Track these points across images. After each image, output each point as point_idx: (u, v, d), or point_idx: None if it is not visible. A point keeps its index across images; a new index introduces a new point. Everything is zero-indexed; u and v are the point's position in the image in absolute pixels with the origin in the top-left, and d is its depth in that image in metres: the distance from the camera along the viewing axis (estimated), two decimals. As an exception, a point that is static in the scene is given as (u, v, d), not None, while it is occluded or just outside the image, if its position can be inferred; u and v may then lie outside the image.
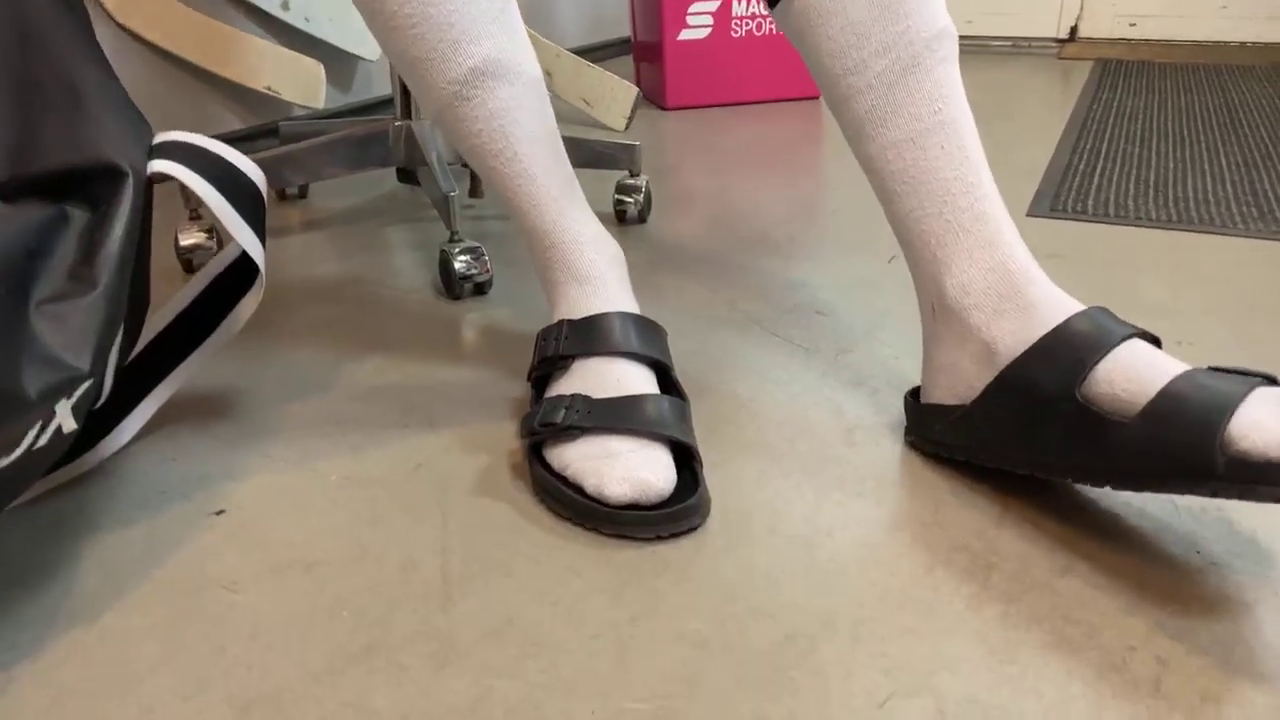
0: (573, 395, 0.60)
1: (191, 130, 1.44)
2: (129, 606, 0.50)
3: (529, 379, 0.66)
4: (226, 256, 0.62)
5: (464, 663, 0.46)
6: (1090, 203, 1.18)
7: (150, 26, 1.36)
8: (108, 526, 0.57)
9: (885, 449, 0.64)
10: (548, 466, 0.59)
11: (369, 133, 1.11)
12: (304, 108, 1.60)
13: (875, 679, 0.44)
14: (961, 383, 0.58)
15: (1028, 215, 1.15)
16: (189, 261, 1.01)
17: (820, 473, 0.61)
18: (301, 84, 1.59)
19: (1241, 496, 0.44)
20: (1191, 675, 0.44)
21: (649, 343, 0.63)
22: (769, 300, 0.91)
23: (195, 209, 1.02)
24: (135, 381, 0.63)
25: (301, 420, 0.69)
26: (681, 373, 0.76)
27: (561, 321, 0.65)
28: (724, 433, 0.66)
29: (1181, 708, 0.42)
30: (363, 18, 0.61)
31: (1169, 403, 0.47)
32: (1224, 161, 1.36)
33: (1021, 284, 0.56)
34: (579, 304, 0.65)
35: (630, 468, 0.55)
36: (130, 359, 0.63)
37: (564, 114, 1.82)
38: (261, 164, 1.05)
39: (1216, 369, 0.50)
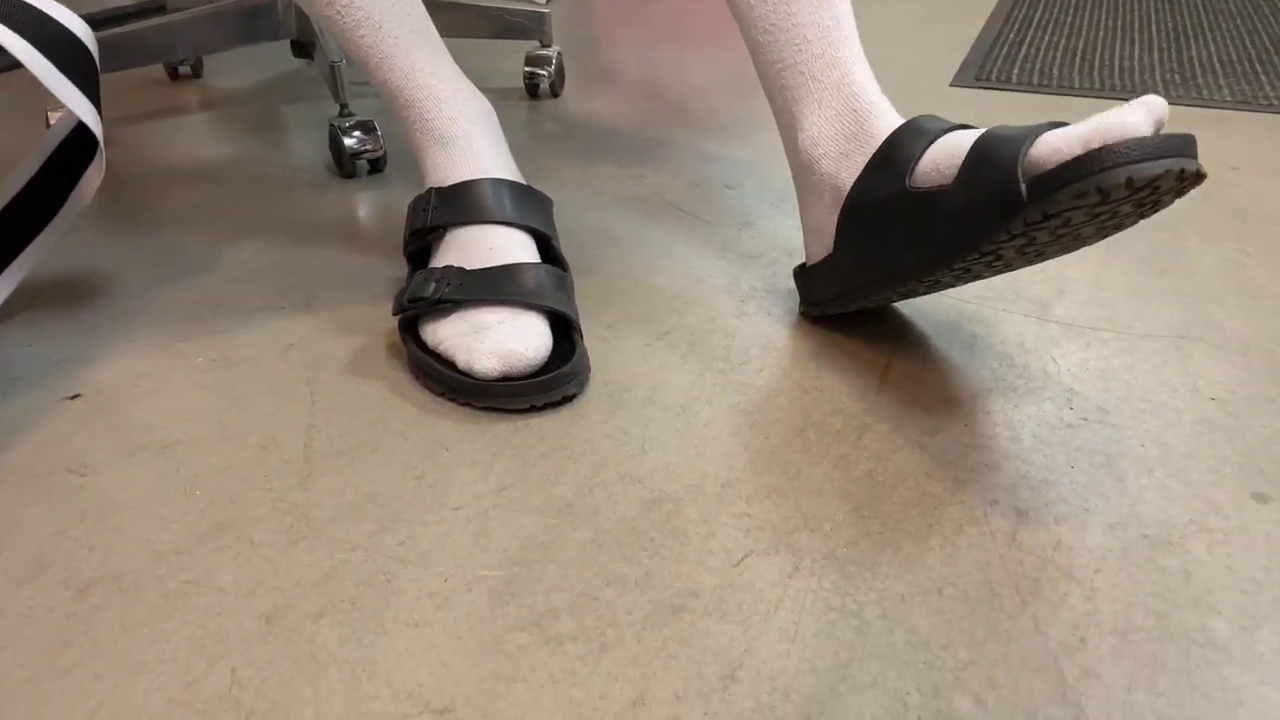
0: (444, 268, 0.57)
1: (90, 6, 1.34)
2: (-31, 494, 0.48)
3: (404, 254, 0.63)
4: (64, 126, 0.57)
5: (317, 537, 0.44)
6: (1015, 72, 1.15)
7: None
8: (-48, 415, 0.54)
9: (776, 318, 0.62)
10: (421, 344, 0.56)
11: (257, 2, 1.04)
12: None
13: (735, 538, 0.44)
14: (824, 232, 0.56)
15: (951, 85, 1.12)
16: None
17: (707, 342, 0.60)
18: None
19: (1050, 211, 0.41)
20: (1048, 525, 0.44)
21: (525, 210, 0.61)
22: (679, 175, 0.87)
23: (67, 86, 0.95)
24: (-19, 264, 0.59)
25: (171, 304, 0.66)
26: (579, 247, 0.73)
27: (430, 190, 0.61)
28: (615, 306, 0.64)
29: (1034, 556, 0.42)
30: None
31: (976, 155, 0.46)
32: (1154, 29, 1.33)
33: (866, 121, 0.54)
34: (446, 169, 0.61)
35: (500, 339, 0.53)
36: (-29, 240, 0.58)
37: (483, -13, 1.72)
38: (143, 37, 0.98)
39: None
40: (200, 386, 0.56)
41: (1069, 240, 0.46)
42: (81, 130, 0.57)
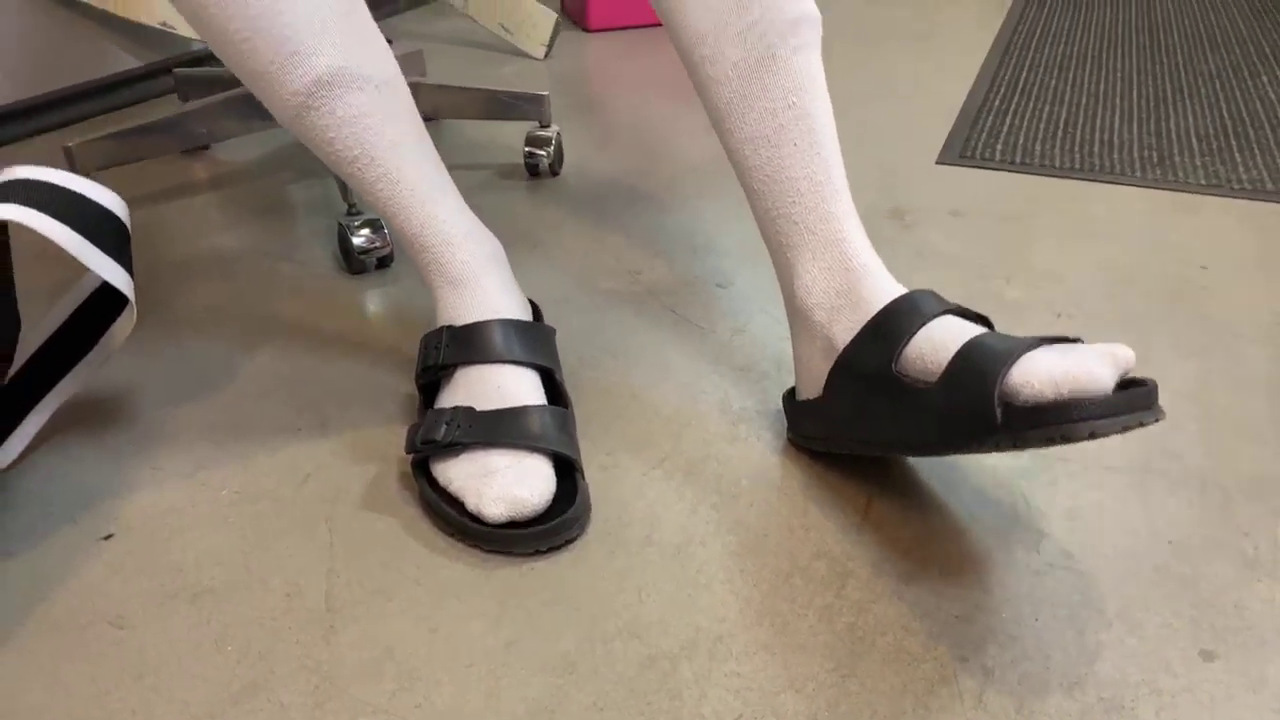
0: (454, 409, 0.61)
1: (90, 71, 1.37)
2: (14, 647, 0.51)
3: (417, 385, 0.66)
4: (96, 277, 0.61)
5: (342, 698, 0.48)
6: (999, 147, 1.19)
7: (24, -38, 1.27)
8: (-7, 557, 0.58)
9: (765, 444, 0.66)
10: (433, 481, 0.60)
11: (264, 88, 1.07)
12: (202, 43, 1.52)
13: (726, 700, 0.47)
14: (815, 376, 0.60)
15: (937, 163, 1.16)
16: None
17: (701, 472, 0.63)
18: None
19: (1019, 445, 0.45)
20: (1012, 685, 0.48)
21: (532, 349, 0.64)
22: (673, 270, 0.91)
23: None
24: (15, 400, 0.63)
25: (192, 425, 0.70)
26: (577, 358, 0.77)
27: (442, 328, 0.65)
28: (612, 429, 0.68)
29: None
30: (192, 29, 0.58)
31: (959, 364, 0.49)
32: (1135, 94, 1.37)
33: (858, 280, 0.58)
34: (458, 309, 0.65)
35: (506, 485, 0.56)
36: (8, 380, 0.62)
37: (483, 41, 1.76)
38: (157, 128, 1.02)
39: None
40: (225, 523, 0.60)
41: None
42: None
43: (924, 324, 0.53)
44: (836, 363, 0.57)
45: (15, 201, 0.49)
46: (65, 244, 0.50)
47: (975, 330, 0.53)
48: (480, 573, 0.56)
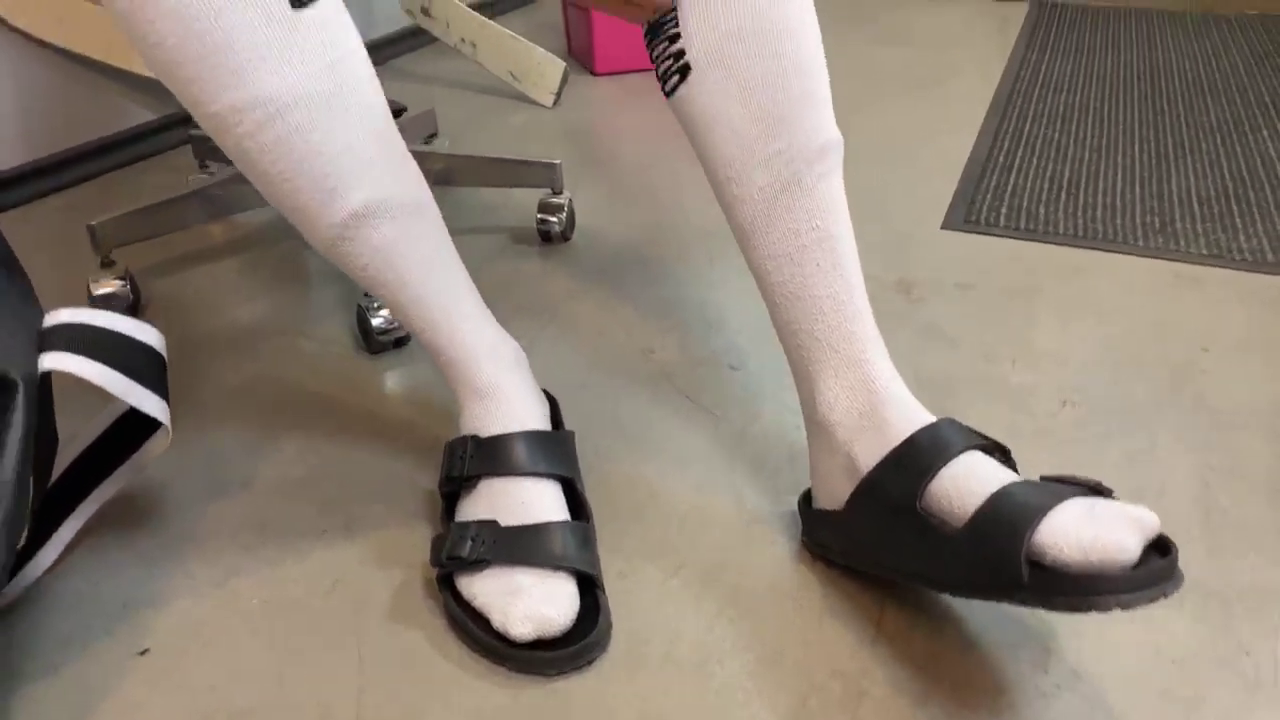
0: (479, 523, 0.63)
1: (104, 127, 1.39)
2: (60, 773, 0.53)
3: (440, 491, 0.68)
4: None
5: (377, 831, 0.50)
6: (1004, 210, 1.21)
7: (44, 26, 1.29)
8: (34, 674, 0.60)
9: (780, 549, 0.68)
10: (457, 594, 0.62)
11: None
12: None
13: (747, 834, 0.49)
14: (834, 490, 0.62)
15: (943, 228, 1.18)
16: (103, 311, 1.00)
17: (718, 581, 0.65)
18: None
19: (1045, 607, 0.47)
20: (1023, 818, 0.50)
21: (553, 460, 0.66)
22: (685, 349, 0.93)
23: (108, 255, 1.01)
24: (51, 510, 0.65)
25: (221, 526, 0.71)
26: (594, 449, 0.79)
27: (467, 438, 0.67)
28: (630, 533, 0.70)
29: None
30: (237, 166, 0.59)
31: (986, 515, 0.51)
32: (1137, 150, 1.39)
33: (881, 402, 0.60)
34: (483, 420, 0.67)
35: (533, 604, 0.58)
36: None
37: (491, 86, 1.78)
38: (177, 203, 1.03)
39: (1048, 479, 0.55)
40: (256, 635, 0.62)
41: None
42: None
43: (949, 460, 0.55)
44: (860, 487, 0.59)
45: (61, 348, 0.51)
46: (110, 387, 0.52)
47: (1000, 472, 0.54)
48: (508, 694, 0.58)
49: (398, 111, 1.21)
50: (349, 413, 0.85)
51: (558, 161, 1.15)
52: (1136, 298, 1.01)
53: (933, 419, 0.59)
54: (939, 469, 0.55)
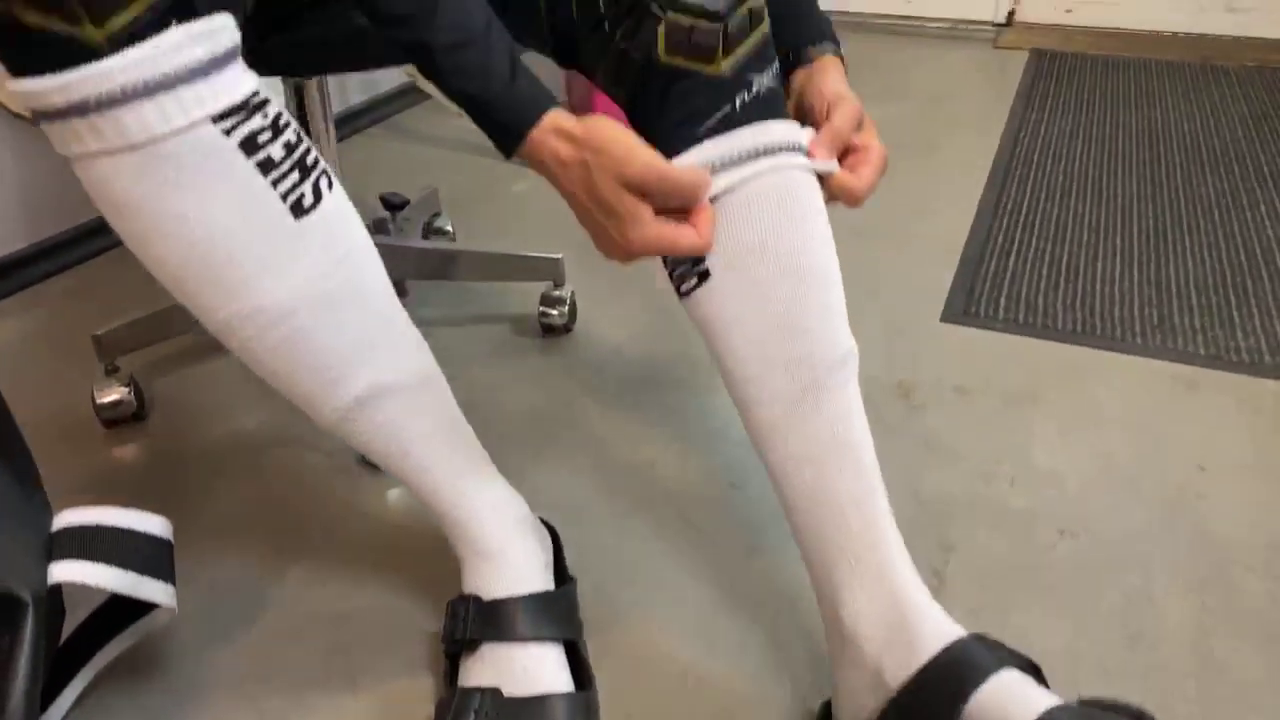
0: (482, 692, 0.63)
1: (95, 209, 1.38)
2: None
3: (444, 650, 0.69)
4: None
5: None
6: (1003, 301, 1.22)
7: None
8: None
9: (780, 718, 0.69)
10: (463, 764, 0.63)
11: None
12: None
13: None
14: (859, 706, 0.61)
15: (942, 321, 1.18)
16: (110, 421, 1.01)
17: (718, 743, 0.66)
18: None
19: None
20: None
21: (556, 623, 0.67)
22: (686, 463, 0.94)
23: (113, 362, 1.01)
24: (56, 673, 0.65)
25: (225, 674, 0.72)
26: (594, 587, 0.79)
27: (469, 599, 0.67)
28: (628, 695, 0.70)
29: None
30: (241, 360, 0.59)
31: None
32: (1136, 229, 1.40)
33: (910, 617, 0.59)
34: (485, 581, 0.68)
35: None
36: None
37: (489, 148, 1.78)
38: (180, 309, 1.04)
39: (1087, 701, 0.55)
40: (263, 807, 0.63)
41: None
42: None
43: (981, 681, 0.54)
44: (891, 705, 0.58)
45: (69, 554, 0.52)
46: (118, 588, 0.53)
47: (1035, 695, 0.53)
48: None
49: (401, 205, 1.21)
50: (354, 540, 0.85)
51: (559, 256, 1.15)
52: (1134, 405, 1.01)
53: (962, 633, 0.58)
54: (970, 694, 0.55)
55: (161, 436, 1.00)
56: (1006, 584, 0.79)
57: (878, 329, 1.17)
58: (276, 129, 0.53)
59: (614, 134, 0.56)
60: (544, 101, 0.57)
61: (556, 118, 0.57)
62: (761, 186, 0.60)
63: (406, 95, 2.02)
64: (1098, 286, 1.25)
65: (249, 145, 0.51)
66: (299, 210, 0.54)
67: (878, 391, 1.05)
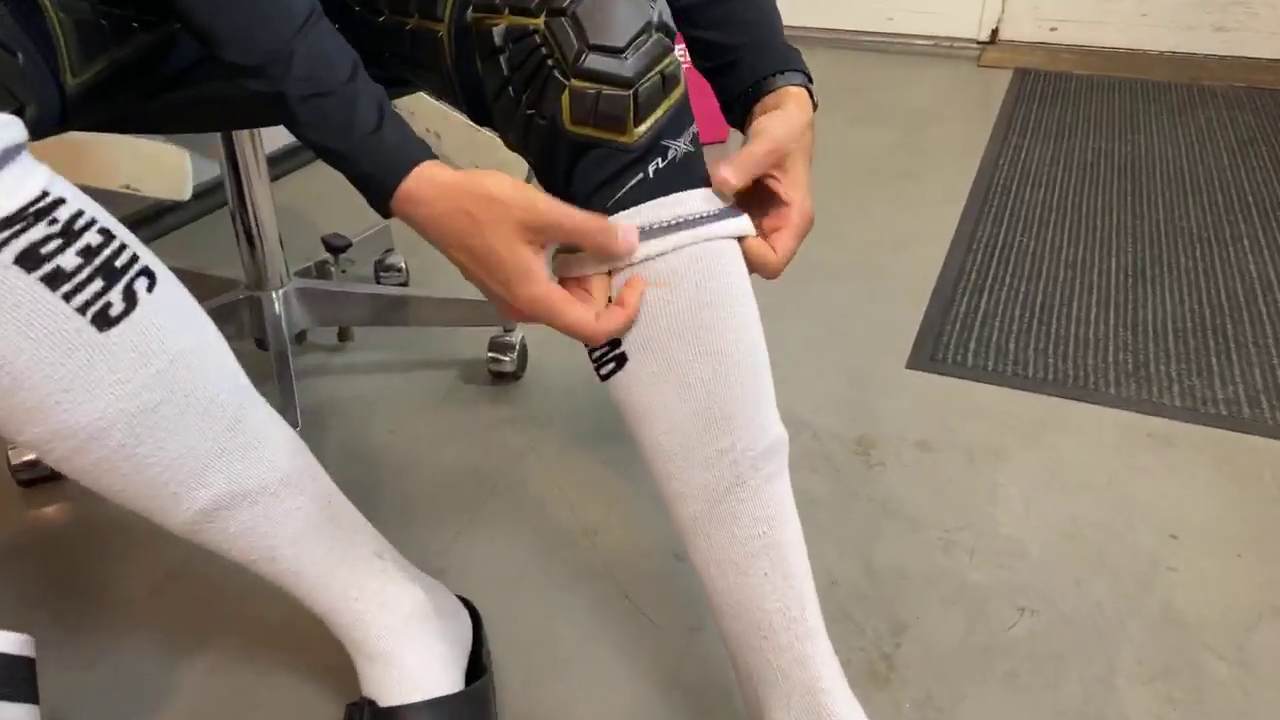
0: (382, 812, 0.58)
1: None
2: None
3: (346, 756, 0.64)
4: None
5: None
6: (972, 344, 1.17)
7: None
8: None
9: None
10: None
11: (217, 306, 1.05)
12: (169, 200, 1.50)
13: None
14: None
15: (907, 367, 1.13)
16: (27, 482, 0.96)
17: None
18: (164, 177, 1.48)
19: None
20: None
21: (459, 731, 0.62)
22: (629, 532, 0.89)
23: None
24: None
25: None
26: (522, 681, 0.74)
27: (363, 705, 0.63)
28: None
29: None
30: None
31: None
32: (1114, 265, 1.35)
33: None
34: (379, 686, 0.63)
35: None
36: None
37: (456, 175, 1.73)
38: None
39: None
40: None
41: None
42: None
43: None
44: None
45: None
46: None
47: None
48: None
49: (343, 247, 1.17)
50: (267, 620, 0.80)
51: (508, 301, 1.10)
52: (1105, 464, 0.96)
53: None
54: None
55: (79, 498, 0.95)
56: (960, 670, 0.74)
57: (840, 376, 1.12)
58: (69, 234, 0.47)
59: (505, 182, 0.52)
60: (415, 153, 0.52)
61: (429, 169, 0.52)
62: (679, 261, 0.55)
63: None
64: (1072, 329, 1.20)
65: (28, 259, 0.45)
66: (104, 321, 0.48)
67: (836, 447, 1.00)
